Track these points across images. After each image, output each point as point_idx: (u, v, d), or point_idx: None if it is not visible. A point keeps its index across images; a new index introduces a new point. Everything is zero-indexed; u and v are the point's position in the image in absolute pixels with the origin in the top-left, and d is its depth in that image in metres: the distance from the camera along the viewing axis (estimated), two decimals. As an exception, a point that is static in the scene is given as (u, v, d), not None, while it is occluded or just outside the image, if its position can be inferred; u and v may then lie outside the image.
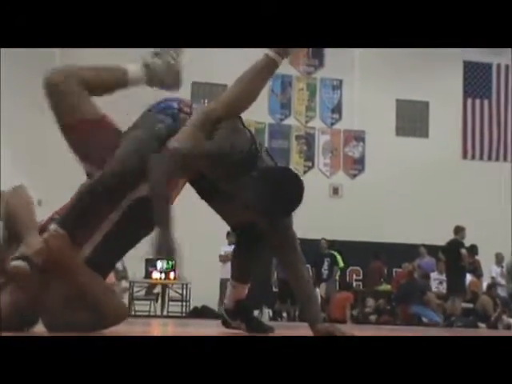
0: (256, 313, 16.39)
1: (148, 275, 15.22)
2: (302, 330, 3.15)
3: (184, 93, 18.31)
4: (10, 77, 16.09)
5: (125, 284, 15.17)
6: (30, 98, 16.54)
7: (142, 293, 15.84)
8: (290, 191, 3.65)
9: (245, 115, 15.82)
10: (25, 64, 16.56)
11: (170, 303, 15.79)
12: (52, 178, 14.89)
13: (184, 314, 15.33)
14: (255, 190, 3.57)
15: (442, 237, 14.64)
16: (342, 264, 16.48)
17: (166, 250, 3.39)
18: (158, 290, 15.98)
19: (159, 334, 3.96)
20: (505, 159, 19.50)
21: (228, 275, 16.65)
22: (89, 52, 16.19)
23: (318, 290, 15.73)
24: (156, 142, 3.60)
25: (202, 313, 15.32)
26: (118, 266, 14.72)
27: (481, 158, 19.56)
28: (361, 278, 18.33)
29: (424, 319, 14.62)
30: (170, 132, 3.67)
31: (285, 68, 18.70)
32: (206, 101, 18.23)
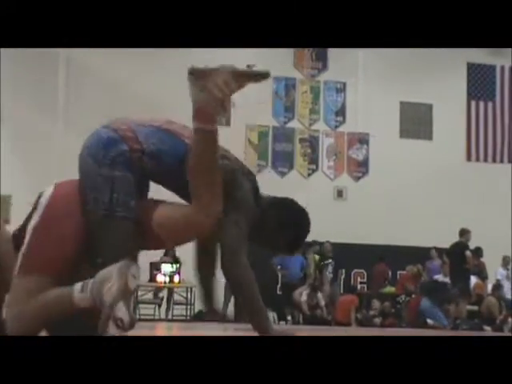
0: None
1: (152, 279, 15.19)
2: (307, 332, 3.13)
3: (187, 96, 18.17)
4: (10, 76, 16.14)
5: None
6: (32, 97, 16.67)
7: (147, 296, 15.83)
8: (298, 229, 3.63)
9: (249, 119, 16.03)
10: (26, 63, 16.63)
11: (175, 307, 15.78)
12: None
13: (188, 318, 15.32)
14: (262, 227, 3.50)
15: (446, 239, 14.63)
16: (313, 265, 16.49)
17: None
18: (163, 294, 15.97)
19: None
20: (509, 161, 19.45)
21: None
22: (92, 51, 16.25)
23: (320, 293, 15.73)
24: (132, 224, 3.20)
25: (205, 316, 15.29)
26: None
27: (485, 159, 19.53)
28: (365, 280, 18.30)
29: (430, 321, 14.56)
30: (134, 194, 3.25)
31: (288, 71, 18.71)
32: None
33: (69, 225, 3.18)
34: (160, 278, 15.12)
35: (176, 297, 15.85)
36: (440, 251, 16.23)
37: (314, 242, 16.28)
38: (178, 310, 15.71)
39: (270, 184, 18.96)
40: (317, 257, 16.44)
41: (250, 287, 3.33)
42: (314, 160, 18.90)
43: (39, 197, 3.31)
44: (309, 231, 3.68)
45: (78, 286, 2.95)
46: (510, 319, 14.69)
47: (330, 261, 16.23)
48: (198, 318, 15.08)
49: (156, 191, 3.58)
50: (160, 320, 15.02)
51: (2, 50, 15.16)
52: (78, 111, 16.81)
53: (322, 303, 15.57)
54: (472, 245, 14.44)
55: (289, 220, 3.59)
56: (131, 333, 2.79)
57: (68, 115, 16.98)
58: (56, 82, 17.09)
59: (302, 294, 15.52)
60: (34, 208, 3.26)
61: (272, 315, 16.30)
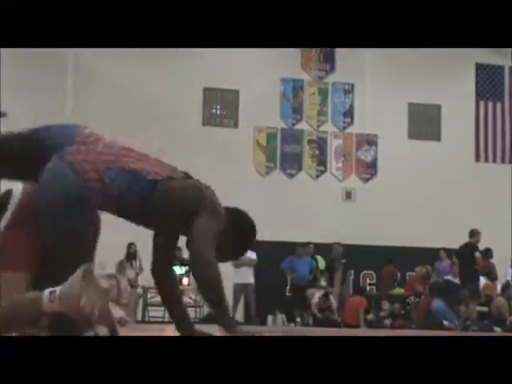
0: (270, 318, 16.40)
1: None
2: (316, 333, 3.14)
3: (196, 99, 18.15)
4: (19, 80, 16.22)
5: (139, 290, 15.18)
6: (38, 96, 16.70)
7: (156, 299, 15.84)
8: (244, 236, 3.79)
9: (257, 120, 15.91)
10: (34, 68, 16.68)
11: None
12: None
13: (197, 320, 15.33)
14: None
15: (455, 240, 14.59)
16: (322, 266, 16.50)
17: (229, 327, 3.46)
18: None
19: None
20: (518, 162, 19.42)
21: (241, 280, 16.63)
22: (100, 56, 16.29)
23: (331, 296, 15.72)
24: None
25: (214, 318, 15.29)
26: (131, 272, 14.76)
27: (494, 160, 19.48)
28: (374, 282, 18.28)
29: (445, 322, 14.48)
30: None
31: (296, 72, 18.71)
32: (218, 107, 18.25)
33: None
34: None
35: (185, 299, 15.86)
36: (449, 252, 16.19)
37: (337, 244, 16.29)
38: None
39: (279, 186, 19.05)
40: (321, 259, 16.48)
41: (221, 286, 3.46)
42: (322, 161, 18.89)
43: (7, 195, 3.38)
44: (253, 243, 3.88)
45: (46, 293, 3.01)
46: (520, 320, 14.63)
47: (344, 260, 16.22)
48: (207, 319, 15.09)
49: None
50: (170, 322, 15.01)
51: (11, 55, 15.21)
52: (85, 115, 16.85)
53: (334, 306, 15.54)
54: (481, 246, 14.41)
55: (240, 232, 3.75)
56: (139, 333, 2.79)
57: (76, 120, 17.00)
58: (64, 86, 17.12)
59: (314, 297, 15.50)
60: (3, 206, 3.33)
61: (281, 317, 16.31)
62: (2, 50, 16.58)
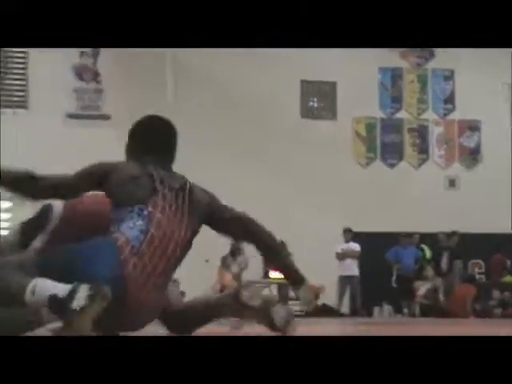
0: (376, 309, 16.29)
1: (266, 275, 15.29)
2: (412, 326, 3.07)
3: (293, 91, 18.11)
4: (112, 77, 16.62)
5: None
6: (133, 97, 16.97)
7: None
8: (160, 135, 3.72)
9: (355, 111, 15.76)
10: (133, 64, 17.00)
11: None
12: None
13: (303, 313, 15.31)
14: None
15: None
16: (428, 255, 16.24)
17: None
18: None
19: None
20: None
21: (345, 273, 16.53)
22: (196, 52, 16.46)
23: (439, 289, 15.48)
24: None
25: (321, 311, 15.25)
26: (235, 267, 14.91)
27: None
28: (483, 270, 17.91)
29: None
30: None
31: (395, 61, 18.45)
32: (315, 99, 18.20)
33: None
34: (273, 274, 15.17)
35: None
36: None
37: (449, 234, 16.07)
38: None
39: (380, 176, 18.82)
40: (427, 249, 16.27)
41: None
42: (424, 150, 18.62)
43: (46, 212, 3.37)
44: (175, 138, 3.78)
45: (30, 286, 2.89)
46: None
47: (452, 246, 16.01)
48: (312, 312, 15.08)
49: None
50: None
51: (111, 57, 15.55)
52: (185, 113, 17.08)
53: (441, 298, 15.33)
54: None
55: (157, 133, 3.71)
56: (255, 332, 2.79)
57: (175, 114, 17.23)
58: (164, 85, 17.38)
59: (421, 288, 15.33)
60: (41, 220, 3.32)
61: (388, 308, 16.16)
62: (102, 51, 17.03)
